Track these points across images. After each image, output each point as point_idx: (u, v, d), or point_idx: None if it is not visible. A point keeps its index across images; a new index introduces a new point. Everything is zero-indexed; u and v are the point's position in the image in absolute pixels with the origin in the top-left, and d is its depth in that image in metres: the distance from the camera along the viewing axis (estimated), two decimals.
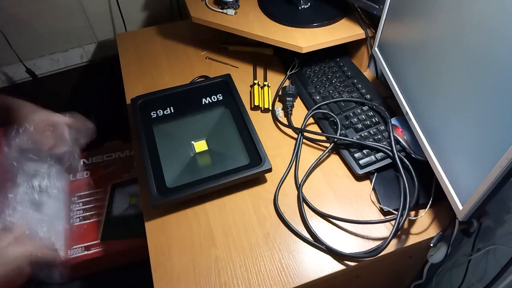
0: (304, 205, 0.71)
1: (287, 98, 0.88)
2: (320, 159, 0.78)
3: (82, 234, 0.94)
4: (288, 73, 0.96)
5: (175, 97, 0.86)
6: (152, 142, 0.77)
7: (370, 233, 0.67)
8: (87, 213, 0.99)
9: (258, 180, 0.76)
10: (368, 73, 0.98)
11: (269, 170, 0.72)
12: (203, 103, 0.84)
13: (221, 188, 0.71)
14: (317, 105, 0.85)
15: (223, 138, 0.79)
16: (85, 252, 0.92)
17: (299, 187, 0.73)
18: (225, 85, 0.88)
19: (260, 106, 0.89)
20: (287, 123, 0.84)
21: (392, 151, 0.73)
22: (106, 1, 1.16)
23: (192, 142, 0.78)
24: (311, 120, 0.86)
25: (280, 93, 0.92)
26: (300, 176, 0.75)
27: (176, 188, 0.69)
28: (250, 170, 0.71)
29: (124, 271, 0.90)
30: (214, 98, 0.85)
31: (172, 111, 0.83)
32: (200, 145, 0.78)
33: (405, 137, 0.75)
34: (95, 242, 0.93)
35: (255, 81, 0.94)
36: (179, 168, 0.74)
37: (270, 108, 0.89)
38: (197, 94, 0.86)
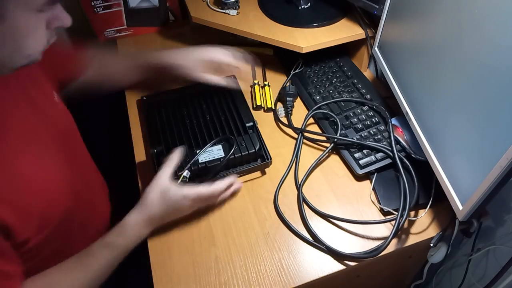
0: (304, 205, 0.71)
1: (287, 98, 0.88)
2: (320, 159, 0.78)
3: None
4: (292, 72, 0.96)
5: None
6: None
7: (370, 233, 0.67)
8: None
9: (259, 180, 0.76)
10: (368, 73, 0.98)
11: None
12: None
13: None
14: (317, 105, 0.85)
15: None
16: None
17: (299, 187, 0.73)
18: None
19: (263, 106, 0.89)
20: (287, 123, 0.84)
21: (392, 151, 0.73)
22: None
23: None
24: (311, 120, 0.86)
25: (280, 93, 0.92)
26: (300, 176, 0.75)
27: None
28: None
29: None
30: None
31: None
32: None
33: (405, 137, 0.75)
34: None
35: (255, 81, 0.94)
36: None
37: (273, 108, 0.89)
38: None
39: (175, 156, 0.66)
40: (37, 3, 0.46)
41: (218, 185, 0.66)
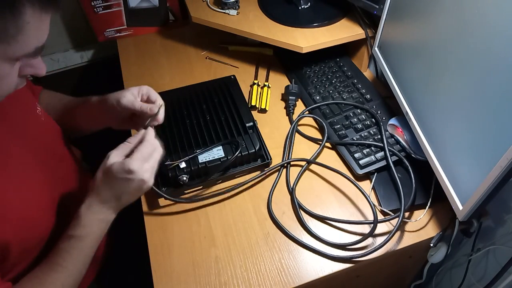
0: (300, 207, 0.71)
1: (290, 97, 0.88)
2: (310, 163, 0.78)
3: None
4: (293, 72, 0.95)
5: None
6: None
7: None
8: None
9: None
10: (368, 73, 0.98)
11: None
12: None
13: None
14: (308, 108, 0.85)
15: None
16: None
17: (291, 191, 0.73)
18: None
19: (257, 106, 0.89)
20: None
21: (384, 149, 0.73)
22: None
23: None
24: (313, 121, 0.86)
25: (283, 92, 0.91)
26: (292, 180, 0.75)
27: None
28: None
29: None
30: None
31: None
32: None
33: (405, 137, 0.75)
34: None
35: (255, 81, 0.94)
36: None
37: (267, 109, 0.89)
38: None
39: (133, 140, 0.60)
40: (16, 54, 0.43)
41: (147, 137, 0.60)
